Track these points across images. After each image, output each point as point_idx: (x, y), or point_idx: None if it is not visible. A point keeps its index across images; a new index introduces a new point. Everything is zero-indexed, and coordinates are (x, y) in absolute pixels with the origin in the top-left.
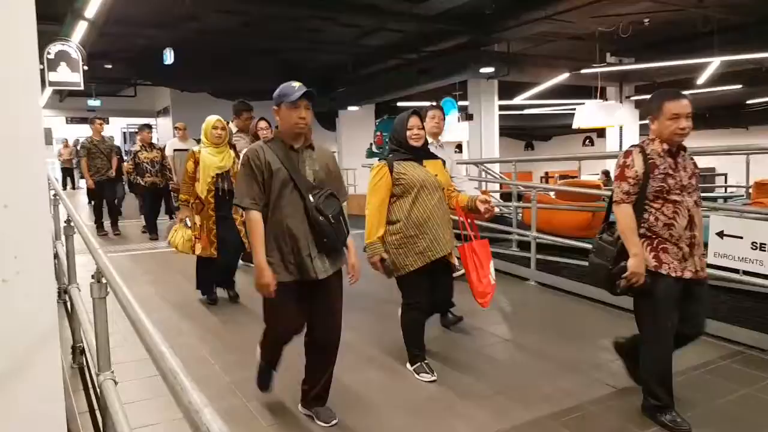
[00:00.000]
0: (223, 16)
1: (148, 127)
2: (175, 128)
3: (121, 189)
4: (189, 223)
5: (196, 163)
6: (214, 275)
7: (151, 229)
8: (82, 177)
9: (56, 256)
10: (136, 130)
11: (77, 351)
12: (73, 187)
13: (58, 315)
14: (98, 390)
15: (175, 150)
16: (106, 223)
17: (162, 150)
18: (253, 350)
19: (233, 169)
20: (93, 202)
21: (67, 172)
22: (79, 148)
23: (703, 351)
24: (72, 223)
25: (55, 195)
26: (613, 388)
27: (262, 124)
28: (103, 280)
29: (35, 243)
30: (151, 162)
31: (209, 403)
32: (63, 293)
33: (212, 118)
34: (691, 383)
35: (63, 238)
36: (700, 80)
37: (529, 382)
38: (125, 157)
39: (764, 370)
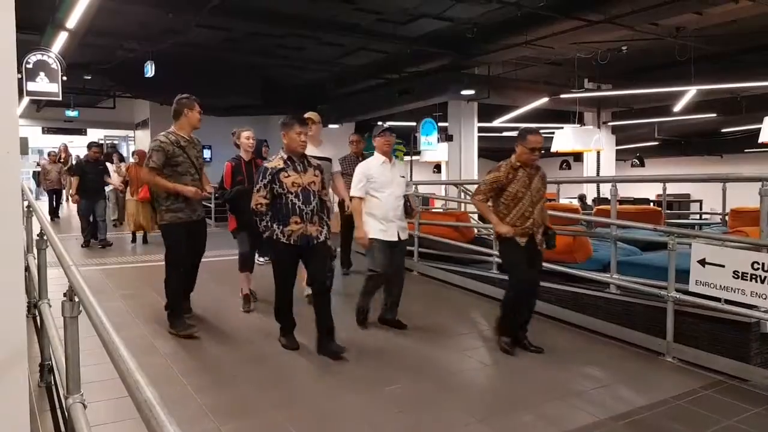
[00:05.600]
0: (205, 31)
1: (303, 122)
2: (351, 142)
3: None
4: None
5: None
6: None
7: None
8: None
9: (27, 269)
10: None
11: (45, 369)
12: (56, 215)
13: (27, 331)
14: (66, 412)
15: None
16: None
17: (321, 171)
18: (226, 369)
19: None
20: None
21: (53, 194)
22: (152, 148)
23: (685, 380)
24: (45, 237)
25: (28, 206)
26: (596, 417)
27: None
28: (76, 299)
29: (6, 256)
30: (305, 193)
31: None
32: (33, 308)
33: None
34: (674, 414)
35: (35, 251)
36: (677, 108)
37: (511, 410)
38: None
39: (745, 400)
